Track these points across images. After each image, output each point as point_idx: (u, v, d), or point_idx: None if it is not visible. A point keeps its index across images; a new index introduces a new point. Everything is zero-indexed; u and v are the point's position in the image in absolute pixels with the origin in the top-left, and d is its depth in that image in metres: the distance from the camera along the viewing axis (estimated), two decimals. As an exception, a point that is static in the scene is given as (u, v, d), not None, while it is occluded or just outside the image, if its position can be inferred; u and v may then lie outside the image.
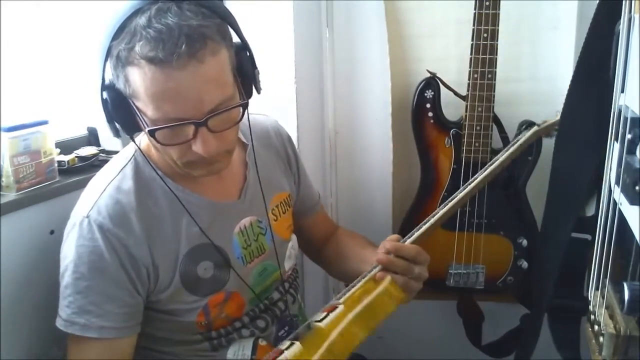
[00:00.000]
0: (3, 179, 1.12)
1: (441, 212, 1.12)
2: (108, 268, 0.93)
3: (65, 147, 1.33)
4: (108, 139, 1.41)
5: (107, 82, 0.87)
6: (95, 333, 0.92)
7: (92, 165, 1.30)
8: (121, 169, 1.00)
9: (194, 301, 1.00)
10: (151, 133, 0.85)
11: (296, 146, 1.27)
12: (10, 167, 1.11)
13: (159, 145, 0.88)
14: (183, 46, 0.79)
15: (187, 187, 1.01)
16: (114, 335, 0.93)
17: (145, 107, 0.84)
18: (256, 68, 0.94)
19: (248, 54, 0.93)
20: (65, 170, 1.25)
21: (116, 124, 0.89)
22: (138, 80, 0.82)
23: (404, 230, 1.64)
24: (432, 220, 1.11)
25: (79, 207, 0.98)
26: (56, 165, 1.22)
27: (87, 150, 1.33)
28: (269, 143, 1.17)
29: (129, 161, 1.01)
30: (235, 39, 0.91)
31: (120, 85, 0.86)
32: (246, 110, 0.92)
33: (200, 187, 1.02)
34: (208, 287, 1.02)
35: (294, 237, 1.21)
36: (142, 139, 1.01)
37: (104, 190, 0.97)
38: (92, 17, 1.44)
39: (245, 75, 0.92)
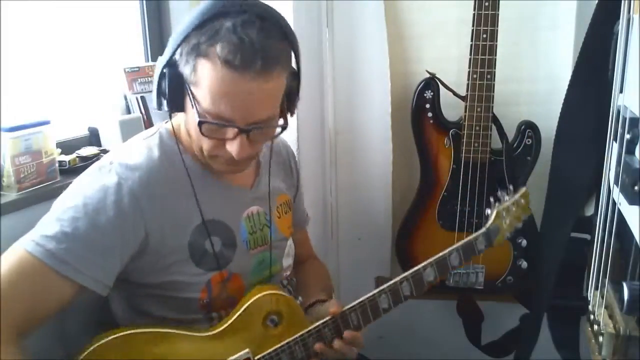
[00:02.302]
0: (4, 178, 1.13)
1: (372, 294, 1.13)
2: (104, 213, 0.92)
3: (67, 147, 1.33)
4: (109, 139, 1.41)
5: (172, 61, 0.94)
6: (56, 264, 0.88)
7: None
8: (147, 137, 1.05)
9: (198, 274, 1.02)
10: (200, 123, 0.92)
11: (296, 146, 1.28)
12: (12, 167, 1.11)
13: (199, 135, 0.94)
14: (259, 62, 0.88)
15: (206, 167, 1.05)
16: (69, 275, 0.89)
17: (203, 98, 0.91)
18: (298, 95, 1.03)
19: (298, 81, 1.02)
20: (67, 171, 1.25)
21: (163, 98, 0.96)
22: (207, 73, 0.89)
23: (403, 229, 1.65)
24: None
25: (103, 158, 1.02)
26: (57, 165, 1.22)
27: (88, 151, 1.33)
28: (279, 153, 1.24)
29: (154, 134, 1.06)
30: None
31: (184, 69, 0.92)
32: (282, 131, 1.00)
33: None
34: (213, 262, 1.04)
35: (291, 239, 1.26)
36: (175, 119, 1.06)
37: (131, 148, 1.03)
38: (92, 17, 1.44)
39: (290, 99, 1.01)
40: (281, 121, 1.00)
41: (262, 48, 0.88)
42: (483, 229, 1.19)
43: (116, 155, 1.01)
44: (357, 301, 1.11)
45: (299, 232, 1.35)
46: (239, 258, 1.08)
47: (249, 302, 1.05)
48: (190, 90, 0.93)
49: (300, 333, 1.06)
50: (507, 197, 1.22)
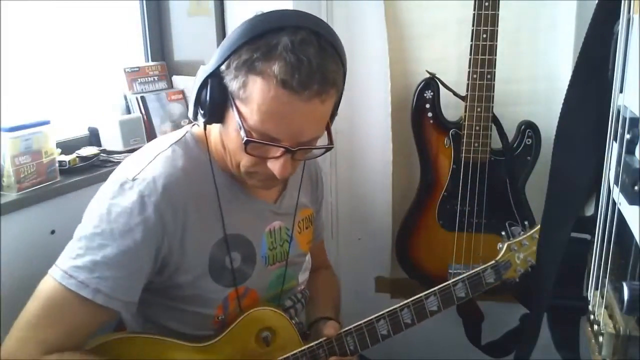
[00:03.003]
0: (4, 178, 1.13)
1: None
2: (131, 236, 0.91)
3: (67, 147, 1.33)
4: (109, 139, 1.41)
5: (217, 71, 0.90)
6: (90, 294, 0.88)
7: (93, 165, 1.30)
8: (171, 145, 1.01)
9: (216, 291, 1.01)
10: (247, 142, 0.89)
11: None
12: (12, 167, 1.11)
13: (241, 151, 0.92)
14: (316, 85, 0.85)
15: (235, 180, 1.03)
16: (102, 303, 0.89)
17: (250, 115, 0.88)
18: (337, 110, 1.00)
19: (339, 100, 0.99)
20: (67, 170, 1.25)
21: (201, 109, 0.93)
22: (258, 91, 0.86)
23: (403, 229, 1.65)
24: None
25: (124, 169, 0.98)
26: (57, 165, 1.22)
27: (88, 151, 1.33)
28: (306, 166, 1.20)
29: (180, 139, 1.03)
30: None
31: (232, 83, 0.89)
32: (325, 152, 1.00)
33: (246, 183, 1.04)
34: (231, 278, 1.02)
35: (309, 253, 1.24)
36: (197, 127, 1.04)
37: (154, 159, 0.98)
38: (92, 17, 1.44)
39: (333, 114, 0.99)
40: (326, 141, 0.98)
41: (319, 69, 0.85)
42: (492, 262, 1.17)
43: (137, 167, 0.97)
44: (354, 325, 1.10)
45: (318, 244, 1.33)
46: (257, 274, 1.06)
47: (242, 317, 1.05)
48: (236, 105, 0.90)
49: (294, 352, 1.06)
50: (521, 232, 1.20)
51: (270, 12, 0.89)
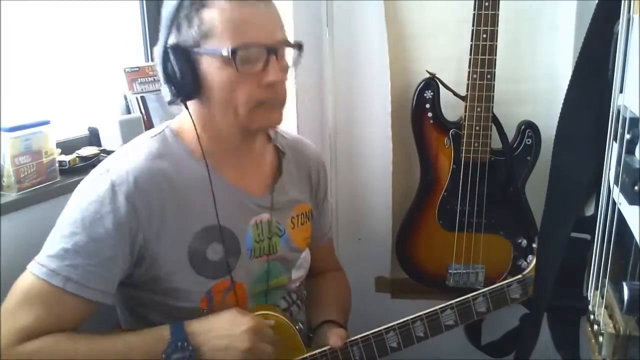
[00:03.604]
0: (4, 178, 1.13)
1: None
2: (102, 224, 0.92)
3: (67, 147, 1.33)
4: (109, 139, 1.41)
5: (169, 43, 0.95)
6: (60, 282, 0.89)
7: (93, 165, 1.30)
8: (150, 137, 1.03)
9: (199, 282, 1.00)
10: (233, 52, 0.91)
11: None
12: (12, 167, 1.12)
13: (230, 81, 0.94)
14: None
15: (216, 170, 1.03)
16: (73, 291, 0.90)
17: (222, 40, 0.92)
18: None
19: None
20: (67, 170, 1.25)
21: (173, 86, 0.95)
22: (216, 15, 0.92)
23: (403, 229, 1.65)
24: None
25: (101, 163, 1.01)
26: (57, 165, 1.22)
27: (88, 150, 1.34)
28: (305, 163, 1.21)
29: (157, 134, 1.04)
30: None
31: (190, 33, 0.93)
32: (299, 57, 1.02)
33: (228, 172, 1.05)
34: (214, 270, 1.02)
35: (307, 250, 1.21)
36: (176, 120, 1.06)
37: (129, 152, 1.00)
38: (92, 17, 1.44)
39: None
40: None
41: None
42: (519, 276, 1.11)
43: (113, 160, 0.99)
44: (361, 335, 1.07)
45: (321, 244, 1.30)
46: (242, 266, 1.05)
47: None
48: (205, 48, 0.93)
49: (297, 359, 1.04)
50: None
51: None
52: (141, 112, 1.50)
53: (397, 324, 1.08)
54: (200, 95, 0.97)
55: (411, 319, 1.08)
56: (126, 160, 0.98)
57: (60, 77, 1.39)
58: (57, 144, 1.24)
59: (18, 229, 1.10)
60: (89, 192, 0.95)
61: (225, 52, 0.92)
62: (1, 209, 1.07)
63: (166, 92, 0.97)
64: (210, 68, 0.94)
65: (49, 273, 0.90)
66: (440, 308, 1.08)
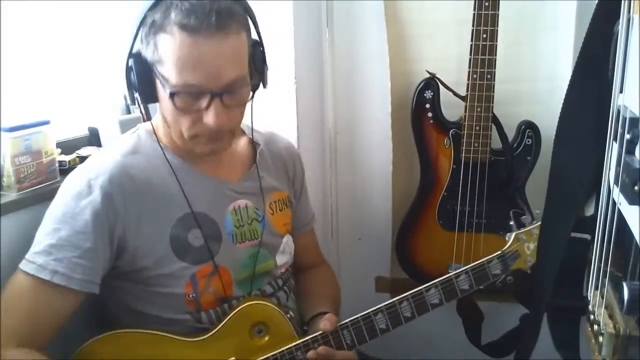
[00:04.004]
0: (4, 178, 1.13)
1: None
2: (81, 216, 0.96)
3: (67, 147, 1.33)
4: (109, 139, 1.41)
5: (134, 50, 0.96)
6: (48, 275, 0.93)
7: (93, 165, 1.30)
8: (124, 139, 1.09)
9: (182, 268, 1.03)
10: (172, 95, 0.93)
11: (296, 146, 1.28)
12: (12, 167, 1.12)
13: (176, 115, 0.96)
14: (213, 18, 0.89)
15: (189, 162, 1.07)
16: (60, 282, 0.93)
17: (169, 72, 0.92)
18: (266, 65, 1.05)
19: (261, 49, 1.04)
20: (67, 170, 1.24)
21: (135, 92, 0.97)
22: (167, 45, 0.91)
23: (403, 229, 1.65)
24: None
25: (81, 164, 1.06)
26: (57, 165, 1.22)
27: (88, 151, 1.34)
28: (279, 154, 1.24)
29: (132, 134, 1.09)
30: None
31: (148, 52, 0.94)
32: (253, 94, 1.02)
33: (202, 165, 1.08)
34: (197, 255, 1.04)
35: (289, 236, 1.23)
36: (153, 119, 1.10)
37: (105, 152, 1.06)
38: (92, 17, 1.44)
39: (257, 68, 1.03)
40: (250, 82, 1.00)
41: (214, 7, 0.89)
42: (498, 252, 1.14)
43: (90, 159, 1.05)
44: (350, 318, 1.09)
45: (303, 235, 1.32)
46: (225, 251, 1.07)
47: (235, 311, 1.05)
48: (158, 71, 0.94)
49: (288, 346, 1.05)
50: (533, 221, 1.17)
51: None
52: (141, 112, 1.50)
53: (384, 305, 1.10)
54: (158, 99, 0.99)
55: (397, 299, 1.10)
56: (101, 156, 1.05)
57: (60, 77, 1.39)
58: (57, 144, 1.24)
59: (18, 229, 1.10)
60: (69, 189, 1.00)
61: (167, 90, 0.93)
62: (1, 209, 1.07)
63: (127, 96, 1.00)
64: (161, 91, 0.96)
65: (37, 268, 0.93)
66: (425, 287, 1.10)
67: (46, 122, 1.18)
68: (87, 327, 1.11)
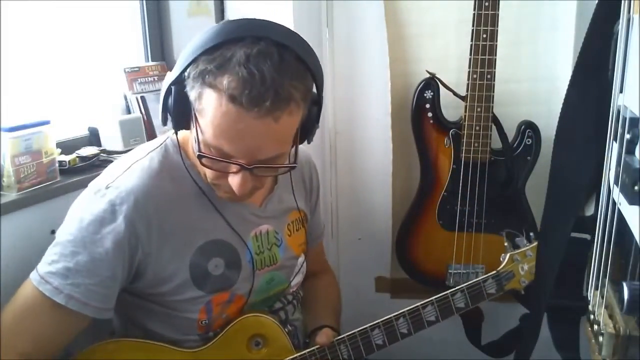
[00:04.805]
0: (4, 178, 1.13)
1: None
2: (102, 244, 0.92)
3: (67, 147, 1.32)
4: (109, 139, 1.41)
5: (179, 79, 0.88)
6: (63, 300, 0.90)
7: (93, 165, 1.30)
8: (148, 152, 1.00)
9: (199, 297, 1.00)
10: (200, 157, 0.88)
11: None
12: (12, 167, 1.11)
13: (201, 165, 0.91)
14: (268, 101, 0.81)
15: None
16: (76, 308, 0.90)
17: (206, 128, 0.86)
18: (317, 123, 0.96)
19: (317, 109, 0.94)
20: (67, 171, 1.25)
21: (169, 115, 0.91)
22: (211, 105, 0.84)
23: (403, 229, 1.65)
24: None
25: (100, 178, 0.98)
26: (57, 165, 1.22)
27: (88, 151, 1.33)
28: (299, 168, 1.18)
29: (159, 146, 1.02)
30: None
31: (191, 94, 0.87)
32: (290, 169, 0.96)
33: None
34: (215, 285, 1.01)
35: (303, 255, 1.21)
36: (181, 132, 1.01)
37: (129, 167, 0.98)
38: (92, 17, 1.44)
39: (306, 127, 0.94)
40: (290, 161, 0.95)
41: (273, 85, 0.81)
42: (493, 272, 1.16)
43: (112, 176, 0.97)
44: (348, 333, 1.09)
45: (313, 247, 1.29)
46: (244, 279, 1.05)
47: (233, 323, 1.04)
48: (196, 116, 0.87)
49: (286, 359, 1.05)
50: (526, 243, 1.19)
51: (236, 20, 0.87)
52: (141, 112, 1.50)
53: (382, 321, 1.10)
54: (190, 129, 0.93)
55: (394, 316, 1.10)
56: (126, 177, 0.96)
57: (60, 77, 1.39)
58: (57, 144, 1.23)
59: (18, 229, 1.09)
60: (89, 210, 0.94)
61: (196, 148, 0.88)
62: (1, 209, 1.07)
63: (160, 116, 0.94)
64: (192, 130, 0.91)
65: (53, 290, 0.90)
66: (422, 304, 1.11)
67: (46, 122, 1.18)
68: (85, 331, 1.11)
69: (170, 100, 0.89)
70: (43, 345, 0.93)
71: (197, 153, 0.88)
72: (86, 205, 0.95)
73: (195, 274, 0.99)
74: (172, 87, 0.89)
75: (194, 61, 0.85)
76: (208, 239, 1.00)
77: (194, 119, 0.88)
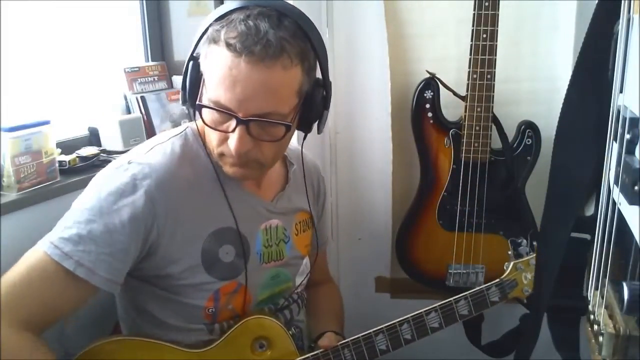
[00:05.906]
0: (4, 179, 1.13)
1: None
2: (119, 215, 0.92)
3: (67, 147, 1.33)
4: (109, 139, 1.41)
5: (195, 54, 0.95)
6: (71, 266, 0.89)
7: (93, 165, 1.30)
8: (170, 138, 1.04)
9: (208, 282, 1.01)
10: (199, 108, 0.93)
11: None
12: (12, 167, 1.12)
13: (204, 124, 0.95)
14: (259, 47, 0.86)
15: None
16: (83, 276, 0.90)
17: (209, 84, 0.92)
18: (327, 109, 1.00)
19: (324, 92, 0.98)
20: (66, 171, 1.25)
21: (185, 92, 0.96)
22: (213, 57, 0.90)
23: (403, 229, 1.65)
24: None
25: (125, 155, 1.01)
26: (57, 165, 1.22)
27: (88, 151, 1.34)
28: (308, 173, 1.21)
29: (180, 133, 1.05)
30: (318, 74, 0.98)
31: (202, 60, 0.93)
32: (290, 134, 0.97)
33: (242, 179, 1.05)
34: (224, 271, 1.03)
35: (307, 257, 1.23)
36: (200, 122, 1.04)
37: (151, 149, 1.01)
38: (92, 17, 1.45)
39: (311, 109, 0.97)
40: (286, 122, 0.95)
41: (265, 36, 0.86)
42: (497, 280, 1.17)
43: (136, 154, 0.99)
44: (352, 338, 1.10)
45: (318, 254, 1.29)
46: (251, 270, 1.06)
47: (238, 325, 1.05)
48: (203, 79, 0.93)
49: None
50: (529, 252, 1.20)
51: None
52: (141, 112, 1.50)
53: (386, 326, 1.11)
54: None
55: (398, 321, 1.11)
56: (150, 156, 0.99)
57: (60, 77, 1.39)
58: (57, 144, 1.23)
59: (18, 229, 1.10)
60: (109, 181, 0.95)
61: (196, 102, 0.93)
62: (1, 209, 1.07)
63: (181, 95, 0.98)
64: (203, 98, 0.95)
65: (62, 255, 0.90)
66: (425, 311, 1.12)
67: (46, 122, 1.18)
68: (86, 328, 1.11)
69: (187, 76, 0.95)
70: (46, 312, 0.91)
71: (197, 104, 0.92)
72: (106, 179, 0.96)
73: (206, 257, 1.00)
74: (189, 63, 0.94)
75: (204, 32, 0.92)
76: (221, 226, 1.02)
77: (202, 82, 0.93)
